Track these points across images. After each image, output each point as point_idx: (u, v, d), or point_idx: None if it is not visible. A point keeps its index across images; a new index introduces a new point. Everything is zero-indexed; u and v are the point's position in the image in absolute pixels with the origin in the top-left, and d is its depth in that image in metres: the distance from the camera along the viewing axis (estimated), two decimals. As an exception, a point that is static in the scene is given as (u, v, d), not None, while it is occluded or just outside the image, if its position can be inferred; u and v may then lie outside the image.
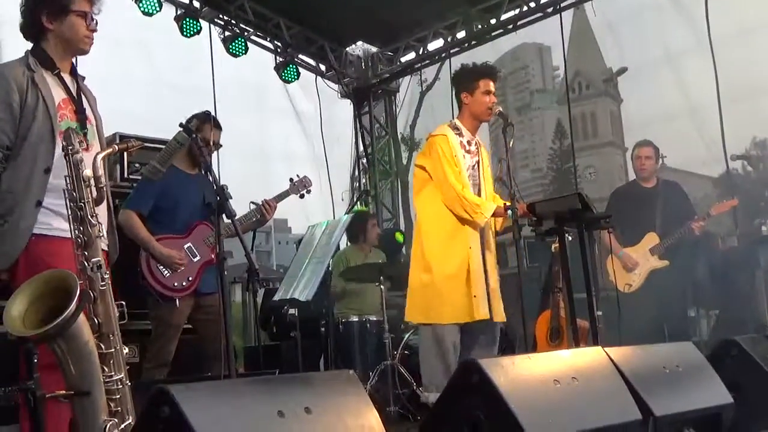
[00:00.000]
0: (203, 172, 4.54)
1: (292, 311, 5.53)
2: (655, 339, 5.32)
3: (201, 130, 4.38)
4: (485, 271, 4.48)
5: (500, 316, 4.51)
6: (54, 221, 3.25)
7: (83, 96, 3.47)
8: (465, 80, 4.67)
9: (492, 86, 4.61)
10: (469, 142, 4.62)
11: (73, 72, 3.49)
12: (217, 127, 4.65)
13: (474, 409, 2.48)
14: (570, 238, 4.43)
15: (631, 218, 6.09)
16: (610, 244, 5.63)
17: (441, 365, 4.35)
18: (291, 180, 5.07)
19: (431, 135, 4.65)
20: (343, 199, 9.90)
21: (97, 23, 3.44)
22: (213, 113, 4.13)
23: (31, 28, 3.42)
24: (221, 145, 4.75)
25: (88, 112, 3.45)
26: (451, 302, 4.38)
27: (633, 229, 6.13)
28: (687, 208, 6.26)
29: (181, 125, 4.71)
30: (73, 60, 3.53)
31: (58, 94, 3.35)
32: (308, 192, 5.15)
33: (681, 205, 6.26)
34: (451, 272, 4.41)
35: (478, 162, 4.64)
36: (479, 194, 4.59)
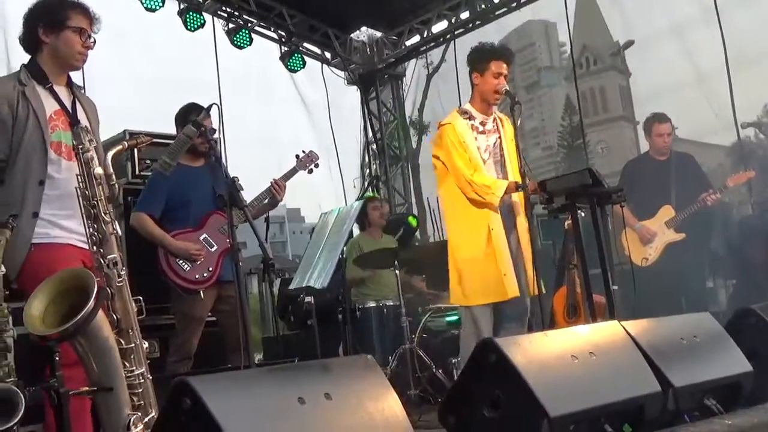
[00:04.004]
0: (215, 162, 4.56)
1: (308, 299, 5.54)
2: (673, 312, 5.31)
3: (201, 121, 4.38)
4: (519, 248, 4.52)
5: (533, 290, 4.48)
6: (51, 231, 3.30)
7: (81, 107, 3.49)
8: (477, 60, 4.64)
9: (504, 68, 4.58)
10: (483, 123, 4.61)
11: (69, 84, 3.51)
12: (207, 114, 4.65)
13: (493, 387, 2.49)
14: (582, 214, 4.42)
15: (645, 192, 6.08)
16: (623, 217, 5.61)
17: (474, 342, 4.40)
18: (297, 156, 5.07)
19: (440, 124, 4.67)
20: (354, 186, 9.91)
21: (94, 42, 3.46)
22: (219, 106, 4.13)
23: (28, 39, 3.45)
24: (215, 130, 4.77)
25: (84, 122, 3.45)
26: (479, 284, 4.44)
27: (647, 202, 6.12)
28: (701, 180, 6.24)
29: (177, 119, 4.75)
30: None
31: (50, 106, 3.38)
32: (316, 166, 5.14)
33: (695, 177, 6.25)
34: (474, 255, 4.45)
35: (498, 138, 4.64)
36: (503, 172, 4.60)
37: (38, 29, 3.39)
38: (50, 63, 3.42)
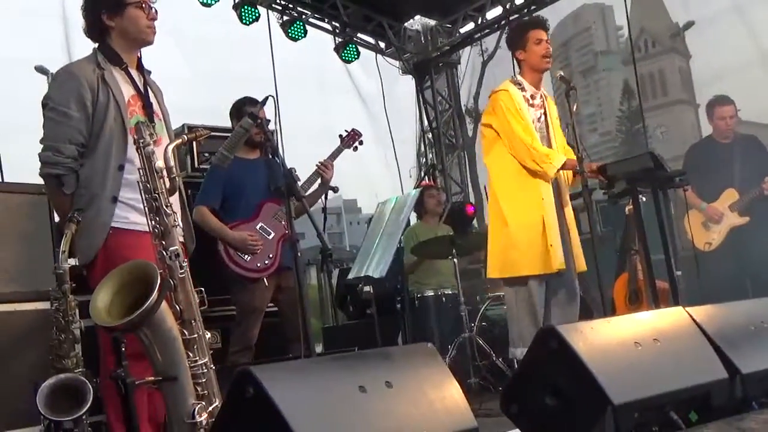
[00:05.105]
0: (270, 155, 4.62)
1: (367, 289, 5.56)
2: (738, 297, 5.20)
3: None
4: (564, 223, 4.48)
5: (580, 266, 4.49)
6: (130, 215, 3.30)
7: (150, 91, 3.51)
8: (515, 39, 4.68)
9: (543, 35, 4.60)
10: (533, 96, 4.60)
11: (140, 67, 3.52)
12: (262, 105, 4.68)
13: (555, 375, 2.46)
14: (644, 199, 4.35)
15: (708, 175, 5.97)
16: (686, 200, 5.52)
17: (527, 318, 4.39)
18: (340, 136, 5.09)
19: (493, 92, 4.65)
20: (411, 176, 9.90)
21: (156, 12, 3.44)
22: (275, 98, 4.16)
23: (93, 28, 3.45)
24: (269, 120, 4.81)
25: (156, 106, 3.49)
26: (527, 253, 4.39)
27: (710, 186, 6.01)
28: (766, 163, 6.09)
29: (232, 112, 4.82)
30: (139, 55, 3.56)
31: (127, 91, 3.39)
32: (361, 143, 5.14)
33: (760, 160, 6.10)
34: (526, 223, 4.42)
35: (544, 113, 4.61)
36: (549, 146, 4.56)
37: (101, 16, 3.39)
38: (122, 44, 3.42)
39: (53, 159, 3.29)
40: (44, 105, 3.39)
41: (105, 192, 3.28)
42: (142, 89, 3.45)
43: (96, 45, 3.47)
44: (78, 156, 3.31)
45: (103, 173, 3.29)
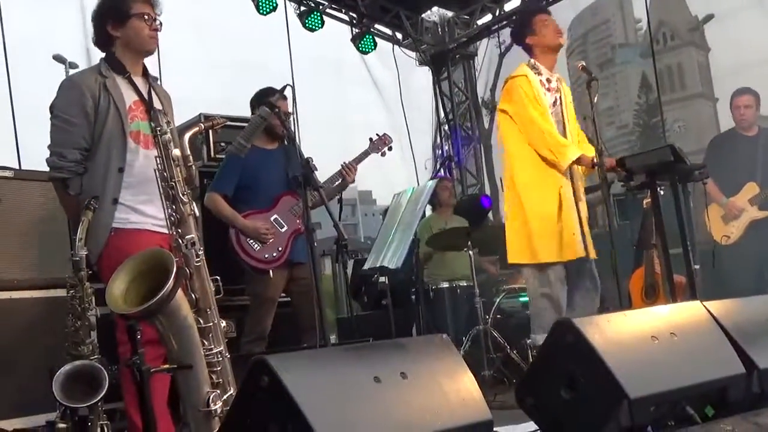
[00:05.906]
0: (288, 143, 4.61)
1: (382, 279, 5.56)
2: (756, 291, 5.16)
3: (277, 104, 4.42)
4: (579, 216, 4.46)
5: (592, 253, 4.47)
6: (131, 216, 3.45)
7: (156, 96, 3.63)
8: (522, 27, 4.67)
9: (546, 17, 4.61)
10: (548, 80, 4.56)
11: (145, 74, 3.66)
12: (283, 97, 4.69)
13: (570, 368, 2.44)
14: (662, 193, 4.31)
15: (730, 168, 5.92)
16: (706, 194, 5.47)
17: (548, 306, 4.37)
18: (370, 139, 5.09)
19: (510, 77, 4.60)
20: (426, 168, 9.86)
21: (161, 24, 3.59)
22: (292, 89, 4.16)
23: (101, 39, 3.61)
24: (291, 113, 4.82)
25: None
26: (547, 241, 4.37)
27: (731, 179, 5.96)
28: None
29: (252, 103, 4.81)
30: (154, 53, 3.70)
31: (129, 97, 3.53)
32: (389, 149, 5.15)
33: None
34: (545, 211, 4.39)
35: (559, 98, 4.58)
36: (564, 131, 4.53)
37: (107, 26, 3.55)
38: (126, 53, 3.57)
39: (58, 164, 3.48)
40: (51, 112, 3.57)
41: (106, 194, 3.41)
42: (145, 95, 3.58)
43: (104, 55, 3.62)
44: (81, 160, 3.48)
45: (104, 175, 3.44)
